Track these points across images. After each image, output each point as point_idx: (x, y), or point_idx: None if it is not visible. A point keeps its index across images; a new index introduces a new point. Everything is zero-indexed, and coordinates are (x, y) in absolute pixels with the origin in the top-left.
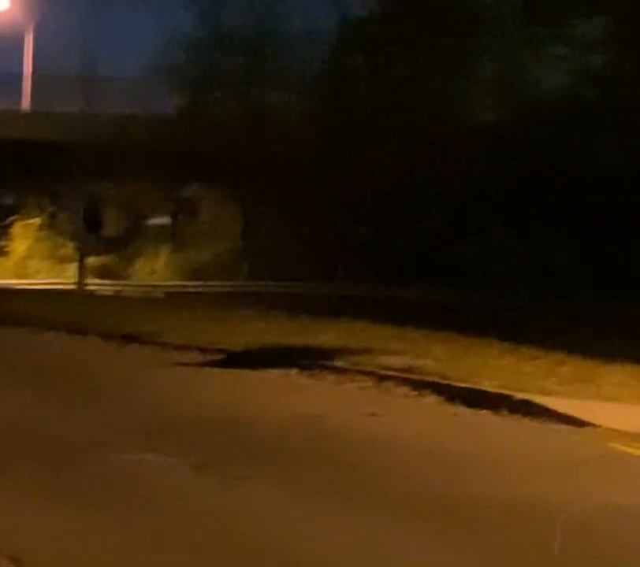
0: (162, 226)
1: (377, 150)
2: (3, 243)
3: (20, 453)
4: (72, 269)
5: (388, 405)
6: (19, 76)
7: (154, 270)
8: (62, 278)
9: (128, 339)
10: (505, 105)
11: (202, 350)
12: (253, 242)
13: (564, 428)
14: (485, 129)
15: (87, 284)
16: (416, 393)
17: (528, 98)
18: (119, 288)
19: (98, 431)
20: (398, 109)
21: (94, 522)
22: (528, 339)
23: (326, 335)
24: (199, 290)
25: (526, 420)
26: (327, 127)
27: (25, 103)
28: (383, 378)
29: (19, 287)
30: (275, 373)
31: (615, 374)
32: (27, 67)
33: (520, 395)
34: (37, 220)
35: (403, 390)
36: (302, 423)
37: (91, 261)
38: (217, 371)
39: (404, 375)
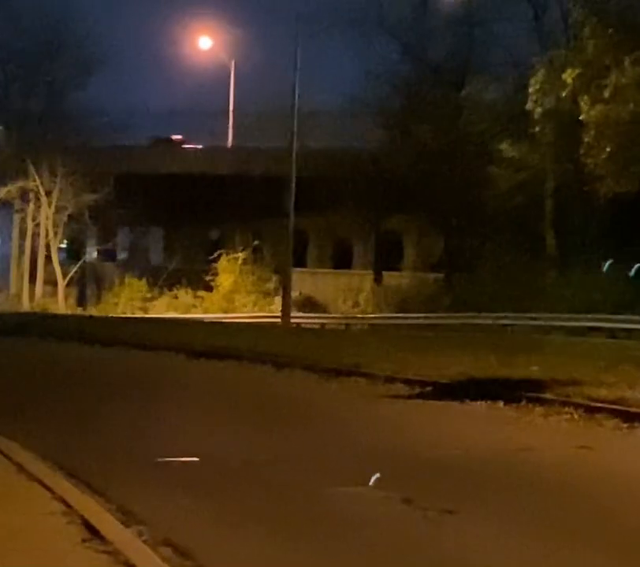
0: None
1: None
2: (210, 278)
3: (238, 480)
4: (277, 303)
5: (599, 437)
6: (223, 113)
7: (358, 303)
8: (267, 311)
9: (334, 371)
10: None
11: (409, 382)
12: (455, 275)
13: None
14: None
15: (291, 317)
16: (627, 425)
17: None
18: (323, 321)
19: (309, 463)
20: None
21: (301, 552)
22: None
23: (533, 366)
24: (402, 322)
25: None
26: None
27: (230, 139)
28: (592, 410)
29: (226, 320)
30: (482, 406)
31: None
32: (231, 103)
33: None
34: (242, 255)
35: (614, 422)
36: (511, 456)
37: (296, 294)
38: (423, 403)
39: (614, 407)
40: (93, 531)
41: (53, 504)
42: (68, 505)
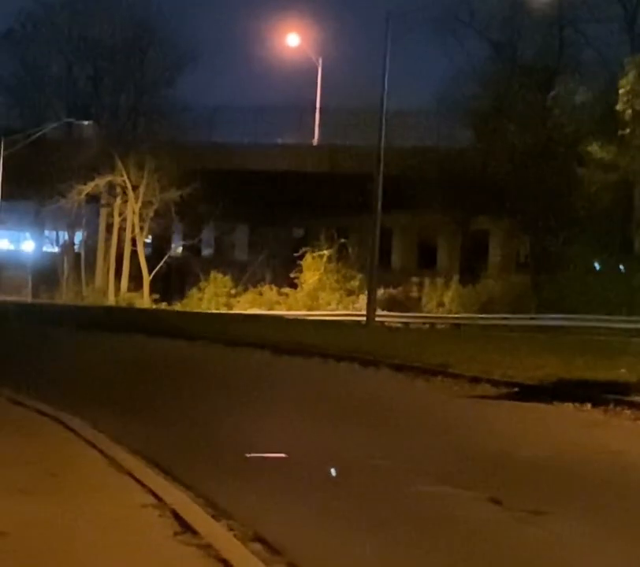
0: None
1: None
2: (294, 275)
3: (326, 477)
4: (362, 301)
5: None
6: (310, 110)
7: (443, 302)
8: (351, 310)
9: (420, 370)
10: None
11: (494, 383)
12: (541, 276)
13: None
14: None
15: (376, 316)
16: None
17: None
18: (408, 320)
19: (398, 461)
20: None
21: (389, 550)
22: None
23: (621, 369)
24: (487, 322)
25: None
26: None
27: (316, 136)
28: None
29: (310, 318)
30: (569, 407)
31: None
32: (318, 101)
33: None
34: (326, 252)
35: None
36: (599, 459)
37: (380, 292)
38: (510, 404)
39: None
40: (184, 524)
41: (144, 497)
42: (159, 499)
